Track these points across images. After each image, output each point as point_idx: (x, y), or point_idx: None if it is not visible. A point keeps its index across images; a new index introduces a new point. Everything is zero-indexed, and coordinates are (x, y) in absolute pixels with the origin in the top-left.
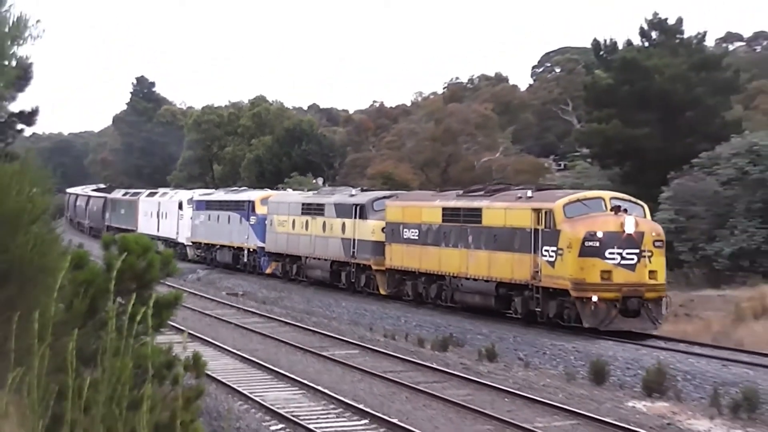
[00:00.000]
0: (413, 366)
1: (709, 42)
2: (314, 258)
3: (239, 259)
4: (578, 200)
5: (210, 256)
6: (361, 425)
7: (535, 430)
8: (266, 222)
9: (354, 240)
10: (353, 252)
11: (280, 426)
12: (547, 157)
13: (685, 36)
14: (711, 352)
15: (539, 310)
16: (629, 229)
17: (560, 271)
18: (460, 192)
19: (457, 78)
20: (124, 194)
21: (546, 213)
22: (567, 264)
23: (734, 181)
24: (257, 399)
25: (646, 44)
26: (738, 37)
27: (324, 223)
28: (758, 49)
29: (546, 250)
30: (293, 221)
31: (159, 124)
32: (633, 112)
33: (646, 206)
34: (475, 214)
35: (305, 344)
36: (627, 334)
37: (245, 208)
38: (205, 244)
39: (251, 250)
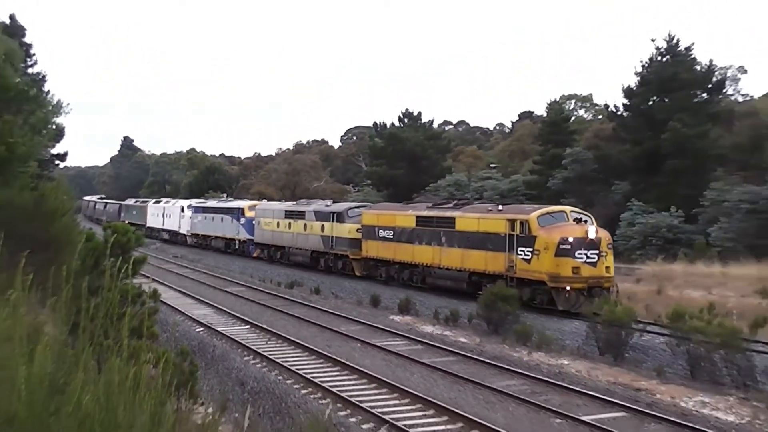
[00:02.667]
0: (281, 298)
1: (436, 124)
2: (296, 248)
3: (230, 246)
4: (547, 213)
5: (206, 243)
6: (245, 328)
7: (342, 331)
8: (254, 222)
9: (332, 237)
10: (332, 245)
11: (201, 329)
12: (348, 184)
13: (423, 120)
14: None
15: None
16: (591, 235)
17: (536, 266)
18: (430, 204)
19: (300, 140)
20: (135, 201)
21: (522, 222)
22: (544, 262)
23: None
24: (188, 314)
25: (402, 125)
26: (449, 123)
27: (305, 224)
28: (461, 129)
29: (522, 251)
30: (278, 222)
31: (134, 163)
32: (394, 162)
33: (592, 217)
34: (449, 221)
35: (216, 285)
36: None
37: (236, 213)
38: (201, 235)
39: (241, 241)
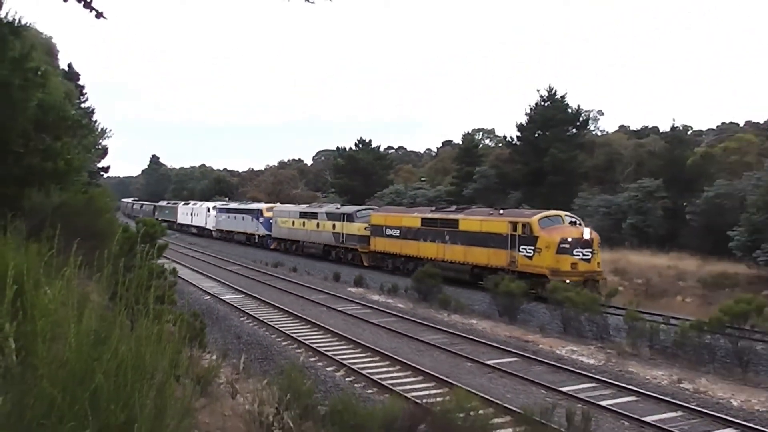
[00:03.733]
0: (269, 275)
1: (382, 148)
2: (310, 242)
3: (250, 240)
4: (546, 216)
5: (229, 237)
6: (240, 297)
7: (312, 299)
8: (271, 221)
9: (343, 234)
10: (342, 240)
11: (209, 297)
12: (318, 191)
13: (373, 146)
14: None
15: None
16: (586, 236)
17: (538, 262)
18: (433, 208)
19: (282, 159)
20: (167, 203)
21: (524, 224)
22: (545, 258)
23: (386, 205)
24: (199, 286)
25: (357, 149)
26: (392, 148)
27: (318, 223)
28: (400, 152)
29: (523, 248)
30: (293, 221)
31: (160, 174)
32: (351, 176)
33: (581, 220)
34: (452, 222)
35: (226, 266)
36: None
37: (256, 213)
38: (225, 230)
39: (261, 236)
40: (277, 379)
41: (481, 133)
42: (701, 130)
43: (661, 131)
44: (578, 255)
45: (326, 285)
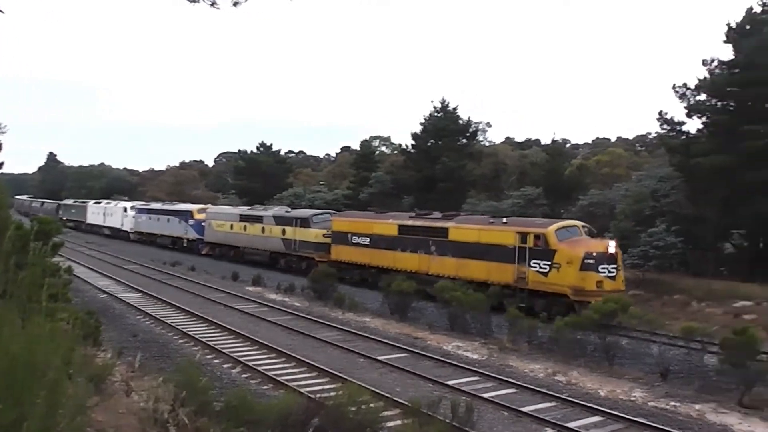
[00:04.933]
0: (167, 274)
1: (282, 152)
2: (253, 249)
3: (176, 243)
4: (563, 227)
5: (150, 239)
6: (137, 295)
7: (210, 298)
8: (203, 224)
9: (296, 240)
10: (295, 248)
11: (105, 295)
12: (218, 192)
13: (273, 149)
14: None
15: (523, 305)
16: (612, 250)
17: (556, 279)
18: (412, 215)
19: (184, 160)
20: (74, 201)
21: (537, 235)
22: (567, 275)
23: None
24: (95, 284)
25: (259, 152)
26: (292, 152)
27: (263, 227)
28: (300, 156)
29: (536, 263)
30: (231, 225)
31: (58, 171)
32: (252, 178)
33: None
34: (440, 231)
35: (124, 265)
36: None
37: (184, 215)
38: (146, 233)
39: (190, 239)
40: (173, 376)
41: (378, 140)
42: (578, 144)
43: (542, 143)
44: (604, 272)
45: (225, 284)
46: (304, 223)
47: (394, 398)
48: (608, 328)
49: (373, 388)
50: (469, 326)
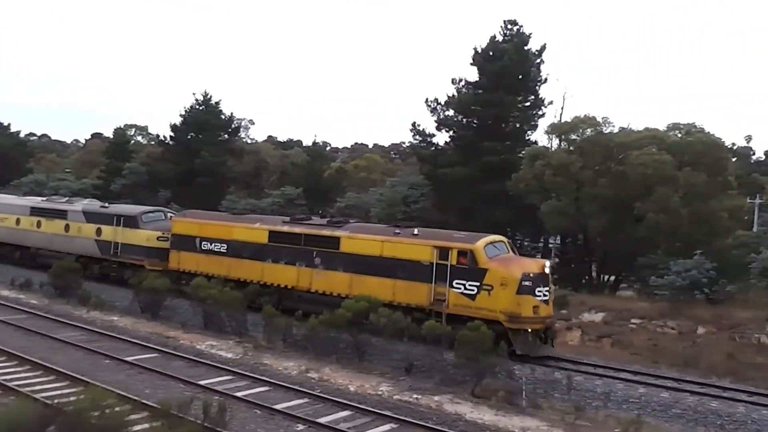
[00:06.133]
0: None
1: (22, 134)
2: (51, 251)
3: None
4: (491, 242)
5: None
6: None
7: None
8: None
9: (117, 243)
10: (115, 252)
11: None
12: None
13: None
14: None
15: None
16: (546, 270)
17: (486, 304)
18: (287, 219)
19: None
20: None
21: (461, 251)
22: (499, 299)
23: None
24: None
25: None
26: (34, 135)
27: (67, 225)
28: (44, 140)
29: (460, 284)
30: (18, 219)
31: None
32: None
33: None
34: (328, 240)
35: None
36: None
37: None
38: None
39: None
40: None
41: (133, 129)
42: (338, 148)
43: (304, 145)
44: (539, 295)
45: None
46: (130, 222)
47: (143, 401)
48: (359, 326)
49: (120, 391)
50: (224, 325)
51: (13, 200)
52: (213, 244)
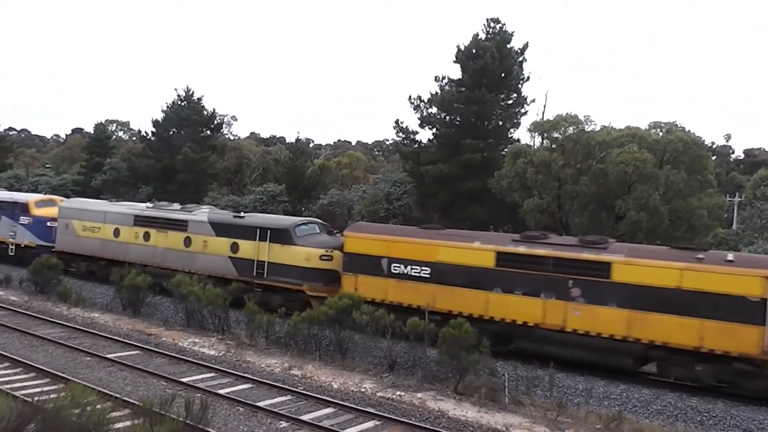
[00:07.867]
0: None
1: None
2: (162, 268)
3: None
4: None
5: None
6: None
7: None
8: (50, 224)
9: (265, 263)
10: (261, 272)
11: None
12: None
13: None
14: None
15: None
16: None
17: None
18: (516, 238)
19: None
20: None
21: None
22: None
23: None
24: None
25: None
26: (13, 129)
27: (188, 238)
28: (23, 135)
29: None
30: (116, 229)
31: None
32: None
33: None
34: (594, 266)
35: None
36: None
37: (9, 209)
38: None
39: (23, 246)
40: None
41: (115, 125)
42: (321, 144)
43: (287, 141)
44: None
45: None
46: (282, 236)
47: (124, 398)
48: (342, 323)
49: (100, 388)
50: (206, 322)
51: (107, 206)
52: (408, 267)
